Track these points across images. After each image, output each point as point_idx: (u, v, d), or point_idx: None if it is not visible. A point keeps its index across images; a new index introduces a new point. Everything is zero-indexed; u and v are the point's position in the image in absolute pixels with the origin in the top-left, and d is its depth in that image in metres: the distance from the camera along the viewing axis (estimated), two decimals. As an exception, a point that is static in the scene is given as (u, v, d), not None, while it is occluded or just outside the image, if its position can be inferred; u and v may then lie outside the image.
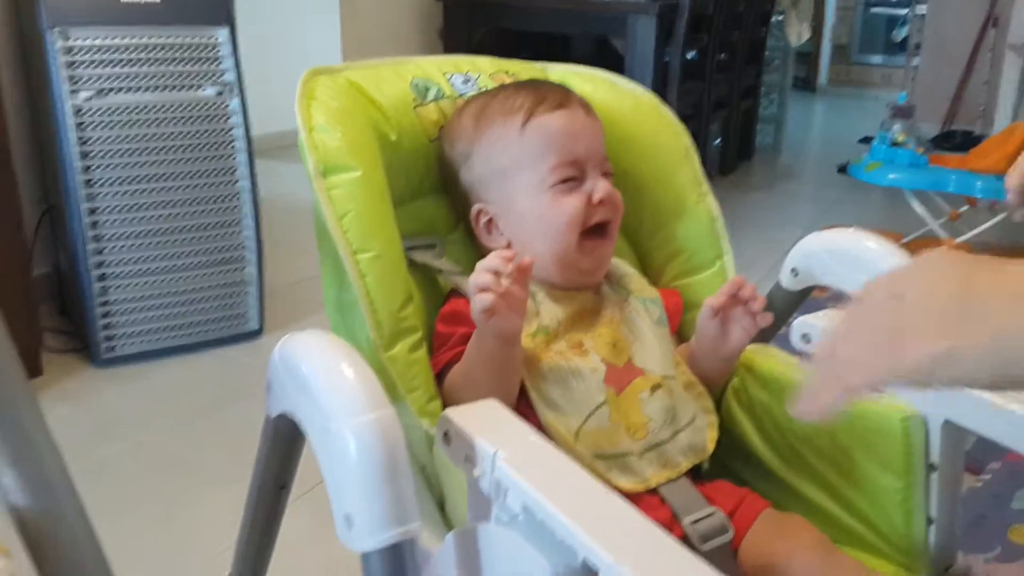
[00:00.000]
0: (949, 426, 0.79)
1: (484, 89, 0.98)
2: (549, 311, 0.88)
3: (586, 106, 0.93)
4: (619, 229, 1.04)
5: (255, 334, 2.13)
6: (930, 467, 0.81)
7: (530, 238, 0.90)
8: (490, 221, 0.93)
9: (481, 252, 0.93)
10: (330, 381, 0.63)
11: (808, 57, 7.09)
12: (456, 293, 0.90)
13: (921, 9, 5.37)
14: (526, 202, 0.90)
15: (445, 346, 0.86)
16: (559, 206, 0.89)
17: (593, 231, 0.90)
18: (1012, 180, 0.85)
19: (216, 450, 1.66)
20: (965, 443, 0.83)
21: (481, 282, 0.76)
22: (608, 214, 0.91)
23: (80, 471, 1.68)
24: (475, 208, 0.93)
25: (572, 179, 0.89)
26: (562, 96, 0.92)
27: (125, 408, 1.83)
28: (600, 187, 0.89)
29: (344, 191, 0.83)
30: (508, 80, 1.01)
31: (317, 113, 0.86)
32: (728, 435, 0.93)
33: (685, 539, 0.81)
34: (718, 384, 0.95)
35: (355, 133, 0.86)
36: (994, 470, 1.68)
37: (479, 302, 0.76)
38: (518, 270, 0.77)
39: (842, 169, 4.09)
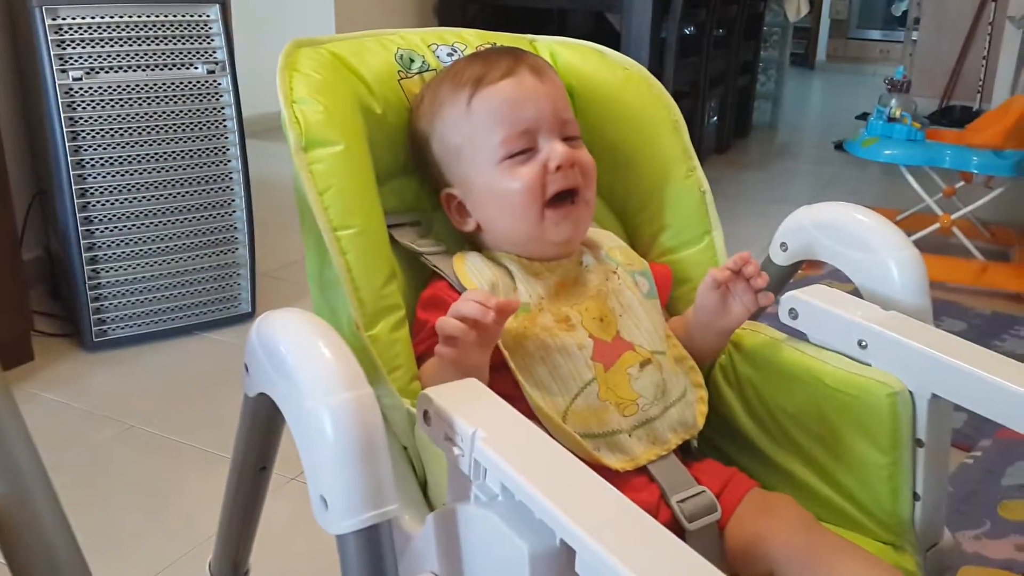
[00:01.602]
0: (936, 401, 0.78)
1: None
2: (528, 287, 0.86)
3: (539, 69, 0.89)
4: (606, 203, 1.03)
5: (247, 317, 2.12)
6: (917, 443, 0.80)
7: (495, 216, 0.88)
8: (460, 204, 0.91)
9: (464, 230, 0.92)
10: (307, 360, 0.62)
11: (806, 32, 7.04)
12: (437, 276, 0.88)
13: (920, -17, 5.32)
14: (482, 180, 0.87)
15: (420, 335, 0.85)
16: (513, 180, 0.86)
17: (559, 199, 0.87)
18: None
19: (207, 433, 1.65)
20: (952, 419, 0.82)
21: (448, 331, 0.75)
22: (571, 180, 0.87)
23: (70, 455, 1.68)
24: (443, 193, 0.91)
25: (525, 151, 0.86)
26: (510, 63, 0.88)
27: (116, 392, 1.82)
28: (556, 153, 0.86)
29: (325, 166, 0.81)
30: (493, 49, 0.99)
31: (299, 85, 0.84)
32: (715, 412, 0.92)
33: (673, 518, 0.81)
34: (708, 359, 0.94)
35: (338, 106, 0.85)
36: (985, 447, 1.67)
37: (444, 352, 0.76)
38: (498, 312, 0.74)
39: (839, 146, 4.08)
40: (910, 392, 0.79)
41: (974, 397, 0.75)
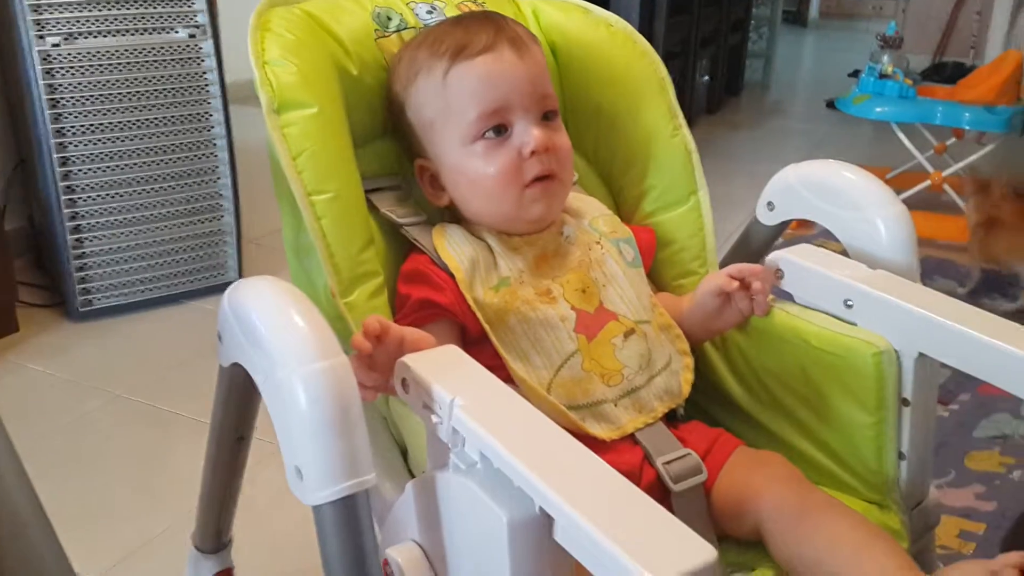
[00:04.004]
0: (923, 360, 0.78)
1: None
2: (508, 261, 0.85)
3: (519, 42, 0.85)
4: (591, 164, 1.02)
5: (234, 284, 2.10)
6: (903, 402, 0.79)
7: (467, 196, 0.86)
8: (433, 176, 0.88)
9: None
10: (279, 328, 0.61)
11: (799, -11, 6.95)
12: (417, 248, 0.86)
13: (914, -63, 5.24)
14: (455, 160, 0.85)
15: (401, 311, 0.83)
16: (488, 165, 0.83)
17: (534, 179, 0.84)
18: None
19: (194, 403, 1.65)
20: (938, 377, 0.81)
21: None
22: (547, 166, 0.84)
23: (56, 426, 1.67)
24: (417, 163, 0.89)
25: (498, 128, 0.83)
26: (490, 37, 0.84)
27: (102, 362, 1.81)
28: (531, 138, 0.83)
29: (299, 129, 0.80)
30: (475, 9, 0.97)
31: (271, 46, 0.82)
32: (702, 376, 0.91)
33: (658, 479, 0.80)
34: (693, 344, 0.92)
35: (312, 67, 0.83)
36: (963, 401, 1.68)
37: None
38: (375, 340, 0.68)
39: (831, 104, 4.04)
40: (896, 351, 0.78)
41: (960, 355, 0.74)
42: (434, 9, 0.96)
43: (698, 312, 0.89)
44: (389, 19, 0.93)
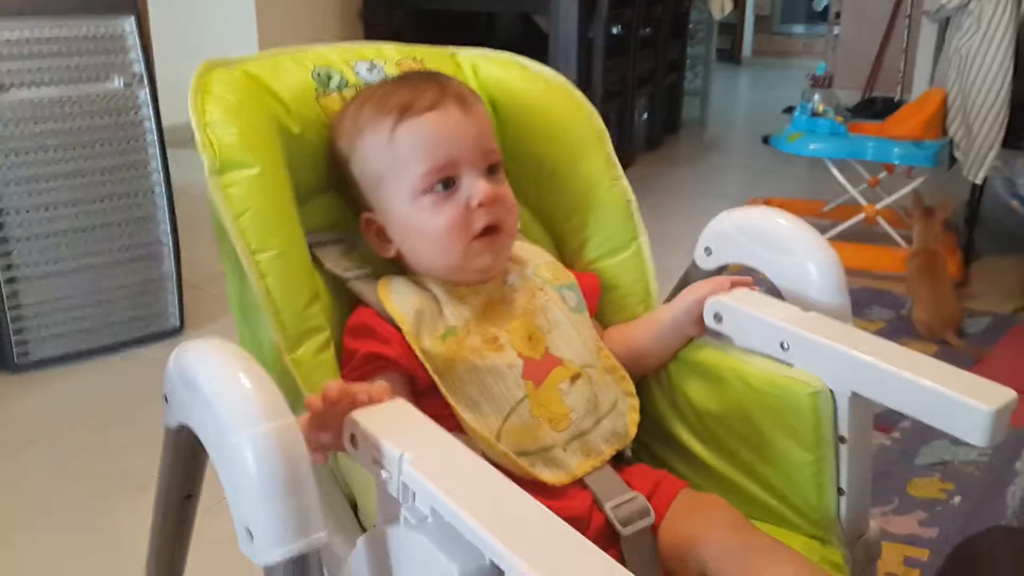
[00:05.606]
0: (856, 398, 0.80)
1: (389, 78, 0.96)
2: (453, 310, 0.86)
3: (463, 100, 0.88)
4: (533, 214, 1.03)
5: (176, 332, 2.08)
6: (840, 439, 0.82)
7: (415, 247, 0.88)
8: (380, 229, 0.90)
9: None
10: (226, 391, 0.61)
11: (732, 29, 7.15)
12: (363, 302, 0.87)
13: (839, -22, 5.44)
14: (403, 211, 0.86)
15: (348, 365, 0.83)
16: (436, 218, 0.85)
17: (482, 231, 0.86)
18: None
19: (137, 455, 1.61)
20: (873, 414, 0.84)
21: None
22: (494, 216, 0.86)
23: (-6, 483, 1.60)
24: (363, 217, 0.90)
25: (446, 181, 0.85)
26: (436, 94, 0.86)
27: (40, 415, 1.77)
28: (478, 190, 0.85)
29: (241, 188, 0.80)
30: (416, 67, 0.99)
31: (212, 108, 0.83)
32: (647, 415, 0.93)
33: (607, 523, 0.81)
34: (668, 356, 0.94)
35: (253, 128, 0.83)
36: (904, 428, 1.73)
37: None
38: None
39: (766, 140, 4.14)
40: (831, 391, 0.81)
41: (890, 393, 0.77)
42: (374, 67, 0.97)
43: (679, 325, 0.91)
44: (329, 78, 0.94)
